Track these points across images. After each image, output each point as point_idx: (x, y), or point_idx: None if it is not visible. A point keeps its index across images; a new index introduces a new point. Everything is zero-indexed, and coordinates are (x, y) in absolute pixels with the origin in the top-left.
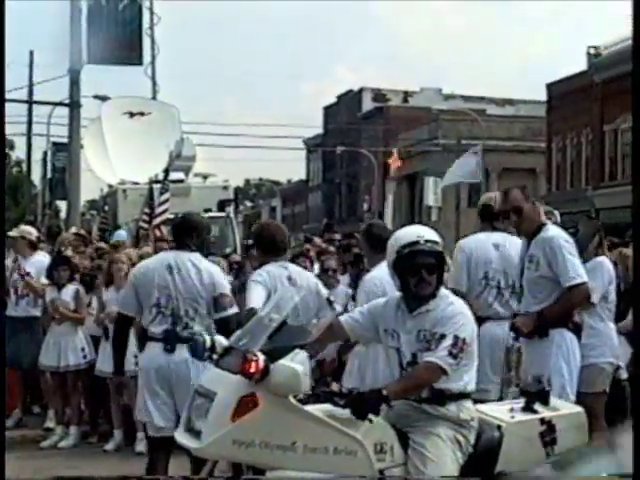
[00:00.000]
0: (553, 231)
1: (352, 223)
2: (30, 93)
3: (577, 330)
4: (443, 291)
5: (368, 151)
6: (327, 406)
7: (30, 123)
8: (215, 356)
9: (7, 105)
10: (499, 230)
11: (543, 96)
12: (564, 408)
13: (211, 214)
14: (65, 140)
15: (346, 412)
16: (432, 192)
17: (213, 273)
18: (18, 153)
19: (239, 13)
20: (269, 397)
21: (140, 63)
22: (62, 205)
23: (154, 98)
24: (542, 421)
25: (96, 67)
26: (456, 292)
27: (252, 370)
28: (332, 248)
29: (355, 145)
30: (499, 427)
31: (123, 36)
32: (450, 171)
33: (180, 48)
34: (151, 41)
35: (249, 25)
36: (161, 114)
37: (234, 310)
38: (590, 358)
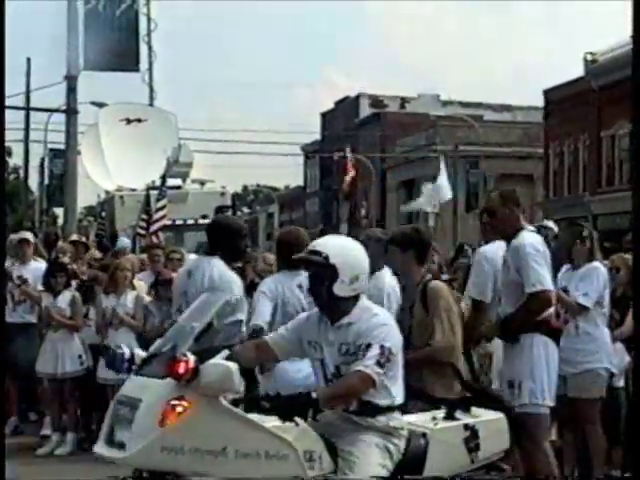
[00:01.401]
0: (524, 238)
1: (350, 229)
2: (27, 100)
3: (555, 334)
4: (365, 302)
5: (365, 157)
6: (254, 415)
7: (27, 130)
8: (135, 367)
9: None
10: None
11: (540, 102)
12: (485, 415)
13: (209, 220)
14: (62, 147)
15: (272, 418)
16: (429, 198)
17: (217, 277)
18: (15, 160)
19: (234, 20)
20: (199, 399)
21: (137, 69)
22: (59, 212)
23: (151, 104)
24: (466, 427)
25: (93, 73)
26: (478, 303)
27: (181, 370)
28: None
29: (353, 151)
30: (424, 434)
31: (120, 42)
32: (428, 194)
33: (177, 54)
34: (148, 48)
35: (245, 32)
36: (158, 120)
37: (233, 318)
38: (586, 364)
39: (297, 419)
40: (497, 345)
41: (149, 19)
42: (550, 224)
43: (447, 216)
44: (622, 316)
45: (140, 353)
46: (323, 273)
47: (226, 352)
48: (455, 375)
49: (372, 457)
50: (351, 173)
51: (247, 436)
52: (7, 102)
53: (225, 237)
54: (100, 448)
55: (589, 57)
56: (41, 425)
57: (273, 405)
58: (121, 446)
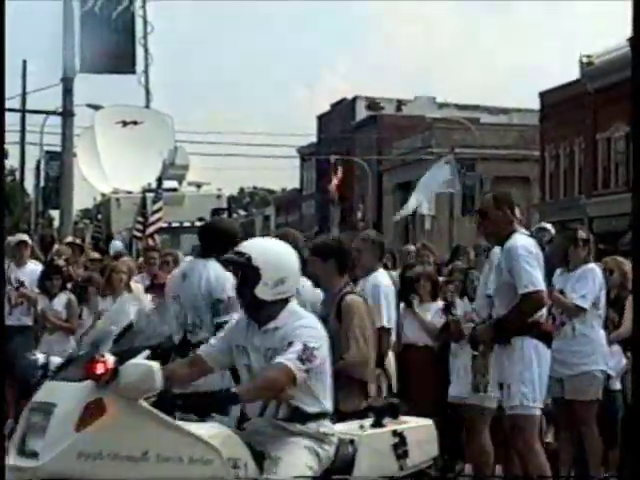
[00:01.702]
0: (517, 240)
1: (346, 231)
2: (23, 102)
3: (546, 337)
4: (293, 307)
5: (362, 160)
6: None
7: (23, 132)
8: (50, 373)
9: None
10: None
11: (536, 105)
12: (413, 421)
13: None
14: (58, 149)
15: (201, 425)
16: (426, 200)
17: (213, 279)
18: (11, 162)
19: (231, 21)
20: (118, 401)
21: (133, 72)
22: (55, 214)
23: (147, 107)
24: (394, 433)
25: (89, 76)
26: (537, 294)
27: (99, 371)
28: None
29: (349, 154)
30: (352, 441)
31: (116, 45)
32: (422, 184)
33: (173, 56)
34: (144, 50)
35: (242, 33)
36: (154, 123)
37: (229, 317)
38: (582, 366)
39: (223, 425)
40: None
41: (145, 21)
42: (548, 226)
43: (443, 218)
44: (619, 317)
45: (55, 360)
46: (246, 275)
47: (147, 352)
48: (363, 391)
49: (300, 458)
50: (335, 180)
51: (169, 440)
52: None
53: (220, 240)
54: (11, 459)
55: (585, 60)
56: None
57: (191, 402)
58: (34, 455)
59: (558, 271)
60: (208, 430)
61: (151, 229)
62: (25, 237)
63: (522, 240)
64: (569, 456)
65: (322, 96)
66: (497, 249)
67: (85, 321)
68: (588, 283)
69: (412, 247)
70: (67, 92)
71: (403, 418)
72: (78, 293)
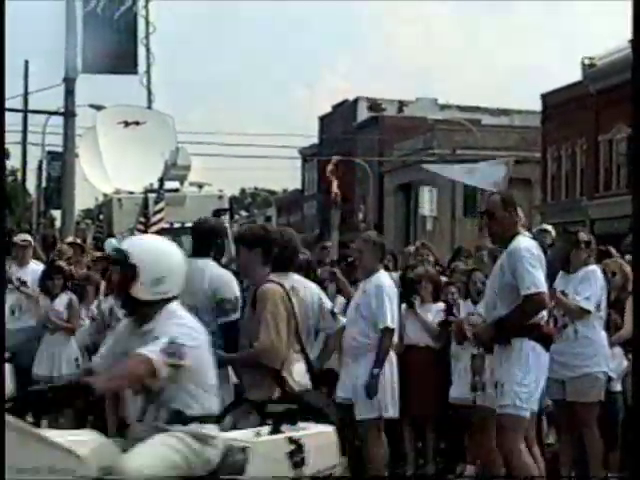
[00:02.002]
0: (520, 242)
1: (347, 233)
2: (25, 102)
3: (545, 340)
4: (173, 307)
5: (363, 161)
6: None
7: (25, 132)
8: None
9: None
10: None
11: (538, 106)
12: (313, 428)
13: None
14: (60, 149)
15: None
16: (427, 202)
17: (217, 278)
18: (13, 162)
19: (233, 21)
20: None
21: (135, 72)
22: (57, 214)
23: (149, 107)
24: (290, 440)
25: (91, 76)
26: (539, 296)
27: None
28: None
29: (350, 155)
30: (244, 449)
31: (118, 45)
32: (474, 175)
33: (175, 57)
34: (146, 50)
35: (244, 33)
36: (156, 123)
37: (236, 316)
38: (584, 368)
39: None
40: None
41: (147, 22)
42: (549, 228)
43: (445, 220)
44: (621, 319)
45: None
46: (124, 273)
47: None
48: (275, 381)
49: (169, 440)
50: (335, 182)
51: (26, 449)
52: (5, 104)
53: (215, 238)
54: None
55: (587, 61)
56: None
57: (45, 399)
58: None
59: (560, 273)
60: (77, 438)
61: (153, 229)
62: (28, 237)
63: (525, 242)
64: (570, 458)
65: (323, 96)
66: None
67: (83, 320)
68: (591, 285)
69: (412, 248)
70: (69, 92)
71: (303, 425)
72: (77, 292)
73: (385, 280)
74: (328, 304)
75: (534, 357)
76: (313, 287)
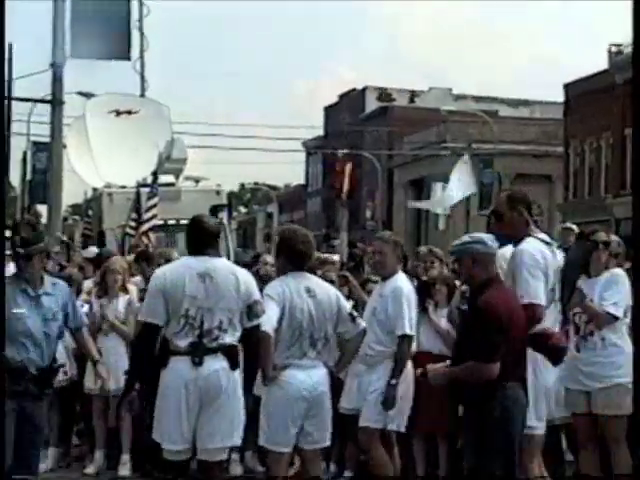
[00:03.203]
0: (525, 245)
1: (354, 231)
2: (9, 89)
3: (553, 352)
4: None
5: (371, 155)
6: None
7: (9, 121)
8: None
9: None
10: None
11: (560, 97)
12: None
13: None
14: (46, 140)
15: None
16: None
17: (249, 280)
18: None
19: (231, 9)
20: None
21: (128, 58)
22: (43, 209)
23: (143, 95)
24: None
25: (81, 62)
26: (532, 307)
27: None
28: (336, 257)
29: (358, 148)
30: None
31: (110, 29)
32: (450, 190)
33: (170, 43)
34: (140, 34)
35: (245, 19)
36: (150, 113)
37: (260, 319)
38: (614, 378)
39: None
40: None
41: (141, 4)
42: (573, 226)
43: (459, 218)
44: None
45: None
46: None
47: None
48: None
49: None
50: (347, 179)
51: None
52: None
53: (202, 237)
54: None
55: (614, 49)
56: None
57: None
58: None
59: (581, 278)
60: None
61: (145, 227)
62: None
63: (531, 246)
64: (591, 477)
65: (329, 86)
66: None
67: None
68: (619, 290)
69: (423, 248)
70: (57, 79)
71: None
72: None
73: (404, 283)
74: (347, 306)
75: (535, 370)
76: (330, 288)
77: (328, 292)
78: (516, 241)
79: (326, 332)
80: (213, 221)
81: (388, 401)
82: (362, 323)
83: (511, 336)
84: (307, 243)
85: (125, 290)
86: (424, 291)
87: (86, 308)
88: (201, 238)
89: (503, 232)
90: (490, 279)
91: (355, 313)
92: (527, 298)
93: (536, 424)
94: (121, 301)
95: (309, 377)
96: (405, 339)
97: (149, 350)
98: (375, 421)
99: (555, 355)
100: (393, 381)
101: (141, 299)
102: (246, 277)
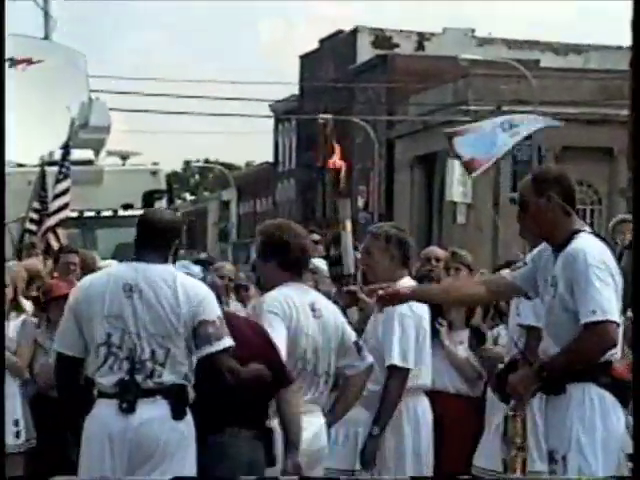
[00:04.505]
0: (582, 242)
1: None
2: None
3: (617, 387)
4: None
5: (365, 121)
6: None
7: None
8: None
9: None
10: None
11: (626, 40)
12: None
13: (133, 212)
14: None
15: None
16: (458, 182)
17: (195, 294)
18: None
19: None
20: None
21: None
22: None
23: (47, 38)
24: None
25: None
26: (606, 326)
27: None
28: (320, 262)
29: (346, 112)
30: None
31: None
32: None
33: None
34: None
35: None
36: (59, 62)
37: (223, 345)
38: None
39: None
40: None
41: None
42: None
43: (484, 208)
44: None
45: None
46: None
47: None
48: None
49: None
50: (337, 157)
51: None
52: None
53: (168, 237)
54: None
55: None
56: None
57: None
58: None
59: None
60: None
61: (53, 220)
62: None
63: (592, 244)
64: None
65: (305, 28)
66: (542, 250)
67: None
68: None
69: (441, 252)
70: None
71: None
72: None
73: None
74: (352, 333)
75: (602, 410)
76: (335, 309)
77: (334, 312)
78: (555, 242)
79: (329, 366)
80: (169, 213)
81: (367, 457)
82: (369, 357)
83: None
84: (305, 241)
85: (19, 308)
86: (433, 307)
87: None
88: (145, 237)
89: (528, 228)
90: None
91: (361, 342)
92: (601, 314)
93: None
94: (12, 324)
95: (307, 426)
96: (395, 372)
97: (68, 391)
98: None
99: (620, 391)
100: (375, 430)
101: None
102: (193, 290)
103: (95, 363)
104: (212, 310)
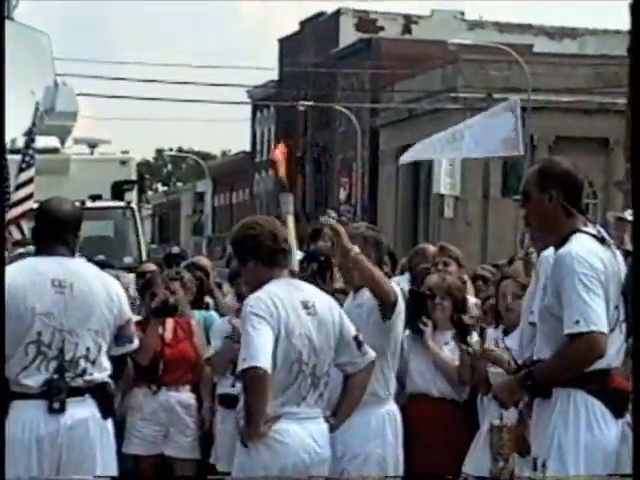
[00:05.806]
0: (573, 246)
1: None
2: None
3: (609, 396)
4: None
5: (347, 109)
6: None
7: None
8: None
9: None
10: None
11: (623, 23)
12: None
13: (102, 203)
14: None
15: None
16: (446, 173)
17: (120, 292)
18: None
19: None
20: None
21: None
22: None
23: (9, 17)
24: None
25: None
26: (591, 337)
27: None
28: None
29: (328, 99)
30: None
31: None
32: (472, 137)
33: None
34: None
35: None
36: (20, 43)
37: (135, 345)
38: None
39: None
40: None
41: None
42: (630, 217)
43: (474, 201)
44: None
45: None
46: None
47: None
48: None
49: None
50: (282, 167)
51: None
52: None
53: (73, 229)
54: None
55: None
56: None
57: None
58: None
59: None
60: None
61: (15, 212)
62: None
63: (581, 246)
64: None
65: (285, 9)
66: (548, 253)
67: None
68: None
69: (432, 247)
70: None
71: None
72: None
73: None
74: (351, 327)
75: (588, 417)
76: (329, 299)
77: (329, 305)
78: (554, 239)
79: (330, 366)
80: (70, 203)
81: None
82: (371, 352)
83: None
84: (272, 228)
85: None
86: (417, 306)
87: None
88: (51, 230)
89: (530, 220)
90: None
91: (361, 337)
92: (585, 325)
93: None
94: None
95: (309, 433)
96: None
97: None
98: None
99: (616, 401)
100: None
101: None
102: (116, 287)
103: (21, 363)
104: (128, 308)
